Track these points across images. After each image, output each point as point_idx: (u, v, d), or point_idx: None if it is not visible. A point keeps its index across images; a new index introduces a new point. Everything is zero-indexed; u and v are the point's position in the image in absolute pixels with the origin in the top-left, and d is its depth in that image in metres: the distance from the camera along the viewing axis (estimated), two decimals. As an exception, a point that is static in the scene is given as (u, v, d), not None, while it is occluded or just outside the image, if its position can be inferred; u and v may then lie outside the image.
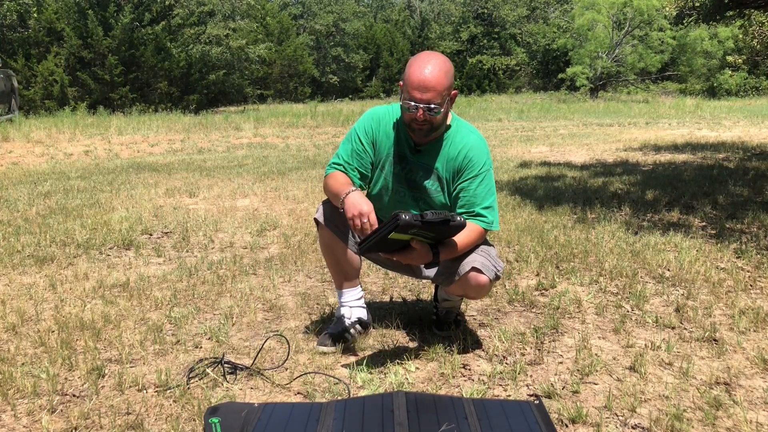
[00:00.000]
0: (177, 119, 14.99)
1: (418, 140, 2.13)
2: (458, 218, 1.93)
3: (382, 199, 2.23)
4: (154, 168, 7.36)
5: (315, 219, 2.21)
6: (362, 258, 2.27)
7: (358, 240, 2.19)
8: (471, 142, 2.12)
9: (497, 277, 2.09)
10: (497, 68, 34.11)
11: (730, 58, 28.96)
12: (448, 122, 2.15)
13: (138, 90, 19.05)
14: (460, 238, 2.02)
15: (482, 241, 2.14)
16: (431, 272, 2.24)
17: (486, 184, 2.10)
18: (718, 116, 16.50)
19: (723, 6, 9.10)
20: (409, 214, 1.80)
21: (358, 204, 1.93)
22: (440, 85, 1.97)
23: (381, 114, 2.20)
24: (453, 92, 2.06)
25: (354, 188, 2.00)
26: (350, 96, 31.69)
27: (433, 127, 2.04)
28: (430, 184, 2.16)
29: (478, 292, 2.11)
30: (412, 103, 1.98)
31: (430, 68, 1.96)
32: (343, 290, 2.29)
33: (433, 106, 1.97)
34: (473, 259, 2.06)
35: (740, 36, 26.72)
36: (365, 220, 1.91)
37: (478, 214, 2.08)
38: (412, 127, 2.05)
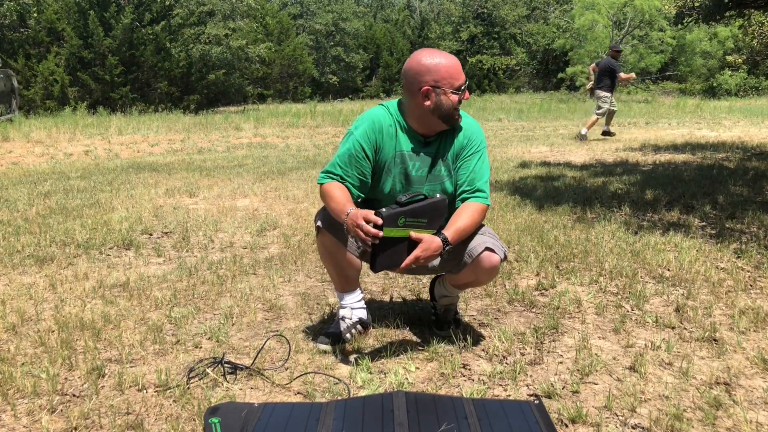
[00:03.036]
0: (177, 119, 15.00)
1: (428, 131, 2.16)
2: (436, 195, 2.03)
3: (395, 198, 2.23)
4: (154, 168, 7.36)
5: (317, 226, 2.17)
6: (362, 261, 2.26)
7: (359, 245, 2.17)
8: (468, 124, 2.21)
9: (506, 257, 2.14)
10: (497, 68, 34.09)
11: (729, 58, 28.97)
12: None
13: (138, 90, 19.04)
14: (464, 218, 2.07)
15: (481, 220, 2.17)
16: (436, 261, 2.21)
17: (483, 160, 2.19)
18: (718, 116, 16.49)
19: (723, 6, 9.10)
20: (385, 208, 1.90)
21: (355, 218, 1.90)
22: None
23: (380, 116, 2.15)
24: None
25: (352, 208, 1.97)
26: (350, 96, 31.68)
27: None
28: (444, 172, 2.18)
29: (490, 274, 2.13)
30: (462, 86, 2.09)
31: (446, 55, 2.10)
32: (343, 293, 2.28)
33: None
34: (484, 241, 2.09)
35: (740, 36, 26.72)
36: (365, 229, 1.87)
37: (479, 189, 2.14)
38: (456, 115, 2.12)
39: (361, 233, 1.86)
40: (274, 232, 4.07)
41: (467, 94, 2.13)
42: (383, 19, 37.99)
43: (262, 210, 4.78)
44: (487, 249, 2.06)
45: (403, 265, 1.95)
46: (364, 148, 2.11)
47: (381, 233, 1.85)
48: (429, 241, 1.94)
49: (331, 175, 2.12)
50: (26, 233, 3.98)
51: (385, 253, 1.90)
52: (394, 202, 1.94)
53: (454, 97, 2.07)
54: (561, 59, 30.75)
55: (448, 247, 1.98)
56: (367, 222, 1.86)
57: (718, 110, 18.67)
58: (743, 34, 26.51)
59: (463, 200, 2.14)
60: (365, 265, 3.19)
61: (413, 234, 1.93)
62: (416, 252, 1.93)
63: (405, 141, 2.15)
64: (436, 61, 2.04)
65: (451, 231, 2.01)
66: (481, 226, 2.21)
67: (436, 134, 2.18)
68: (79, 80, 18.11)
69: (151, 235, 4.01)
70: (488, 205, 2.16)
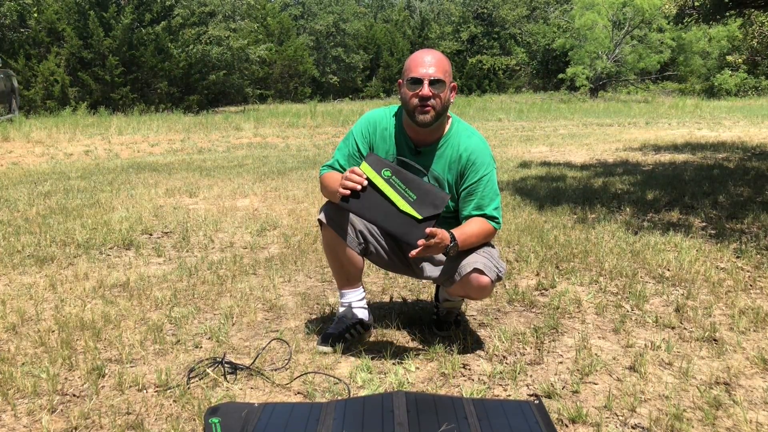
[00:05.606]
0: (177, 119, 15.00)
1: (418, 138, 2.15)
2: (443, 191, 2.06)
3: None
4: (154, 168, 7.36)
5: (318, 219, 2.21)
6: (364, 259, 2.27)
7: (360, 240, 2.19)
8: (473, 145, 2.15)
9: (499, 278, 2.10)
10: (497, 68, 34.08)
11: (729, 58, 28.95)
12: (448, 124, 2.17)
13: (138, 90, 19.04)
14: (472, 226, 2.08)
15: (488, 240, 2.16)
16: (434, 272, 2.23)
17: (491, 185, 2.15)
18: (718, 116, 16.49)
19: (723, 6, 9.10)
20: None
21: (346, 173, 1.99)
22: (443, 63, 2.05)
23: (378, 117, 2.20)
24: (453, 83, 2.11)
25: None
26: (350, 96, 31.68)
27: (437, 110, 2.04)
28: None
29: (480, 293, 2.11)
30: (417, 78, 2.01)
31: (430, 53, 2.07)
32: (345, 291, 2.29)
33: (438, 78, 2.01)
34: (475, 260, 2.06)
35: (739, 36, 26.70)
36: (347, 175, 1.95)
37: (489, 216, 2.13)
38: (417, 111, 2.03)
39: (347, 179, 1.93)
40: (274, 232, 4.07)
41: (425, 89, 2.00)
42: (383, 20, 37.98)
43: (262, 210, 4.78)
44: (476, 270, 2.03)
45: (413, 253, 1.93)
46: (358, 145, 2.19)
47: (364, 174, 1.93)
48: (442, 236, 1.94)
49: (331, 169, 2.22)
50: (26, 233, 3.98)
51: (360, 198, 1.94)
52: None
53: (406, 90, 2.05)
54: (561, 59, 30.72)
55: (453, 244, 1.99)
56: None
57: (718, 110, 18.67)
58: (743, 35, 26.51)
59: None
60: (366, 264, 3.19)
61: (431, 231, 1.89)
62: (429, 245, 1.92)
63: (399, 145, 2.17)
64: (414, 53, 2.10)
65: (459, 233, 2.02)
66: (486, 244, 2.19)
67: (429, 145, 2.15)
68: (79, 80, 18.10)
69: (151, 235, 4.01)
70: (497, 229, 2.15)
